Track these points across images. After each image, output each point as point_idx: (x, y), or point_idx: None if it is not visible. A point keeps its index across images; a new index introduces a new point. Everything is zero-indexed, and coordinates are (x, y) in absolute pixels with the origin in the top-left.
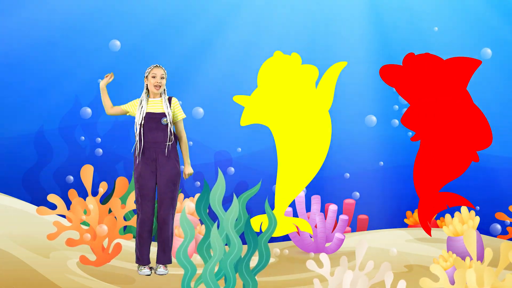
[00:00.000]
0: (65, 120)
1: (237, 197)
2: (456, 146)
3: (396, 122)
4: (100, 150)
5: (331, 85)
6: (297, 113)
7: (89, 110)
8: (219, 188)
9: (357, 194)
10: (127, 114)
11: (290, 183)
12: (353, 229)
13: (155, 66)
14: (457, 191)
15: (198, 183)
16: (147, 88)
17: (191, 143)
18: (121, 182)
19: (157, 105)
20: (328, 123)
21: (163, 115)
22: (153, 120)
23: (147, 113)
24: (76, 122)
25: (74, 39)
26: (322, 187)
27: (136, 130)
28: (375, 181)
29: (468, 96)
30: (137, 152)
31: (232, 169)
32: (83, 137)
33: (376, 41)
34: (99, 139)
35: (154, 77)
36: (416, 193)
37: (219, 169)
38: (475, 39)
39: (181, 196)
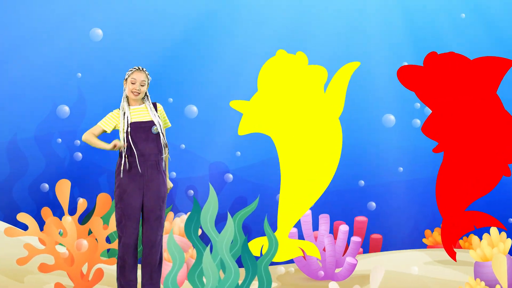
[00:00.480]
0: (41, 127)
1: (232, 215)
2: (484, 159)
3: (418, 122)
4: (80, 155)
5: (341, 88)
6: (303, 120)
7: (66, 108)
8: (211, 207)
9: (373, 204)
10: (110, 131)
11: (295, 200)
12: (365, 250)
13: (136, 69)
14: (485, 209)
15: (192, 191)
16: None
17: (183, 146)
18: (103, 199)
19: (142, 112)
20: (339, 131)
21: (151, 123)
22: (141, 130)
23: (133, 123)
24: (53, 130)
25: (50, 36)
26: (331, 202)
27: (120, 142)
28: (390, 195)
29: (498, 101)
30: (122, 167)
31: (231, 175)
32: (59, 139)
33: (394, 32)
34: (78, 141)
35: (133, 83)
36: (437, 210)
37: (210, 185)
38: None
39: (170, 215)
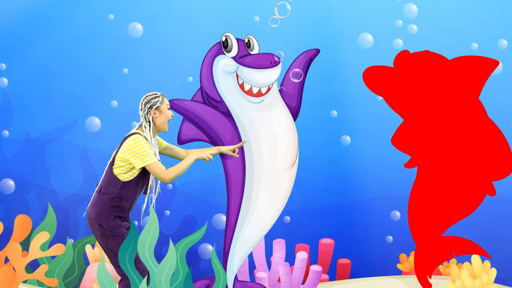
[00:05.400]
0: None
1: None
2: (465, 175)
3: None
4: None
5: None
6: None
7: None
8: (150, 232)
9: (342, 224)
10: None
11: None
12: (332, 277)
13: (162, 95)
14: (466, 234)
15: (168, 212)
16: (150, 123)
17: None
18: (22, 221)
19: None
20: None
21: None
22: None
23: None
24: None
25: None
26: (294, 222)
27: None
28: (360, 214)
29: (481, 108)
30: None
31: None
32: None
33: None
34: None
35: (170, 109)
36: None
37: (151, 206)
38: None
39: None
